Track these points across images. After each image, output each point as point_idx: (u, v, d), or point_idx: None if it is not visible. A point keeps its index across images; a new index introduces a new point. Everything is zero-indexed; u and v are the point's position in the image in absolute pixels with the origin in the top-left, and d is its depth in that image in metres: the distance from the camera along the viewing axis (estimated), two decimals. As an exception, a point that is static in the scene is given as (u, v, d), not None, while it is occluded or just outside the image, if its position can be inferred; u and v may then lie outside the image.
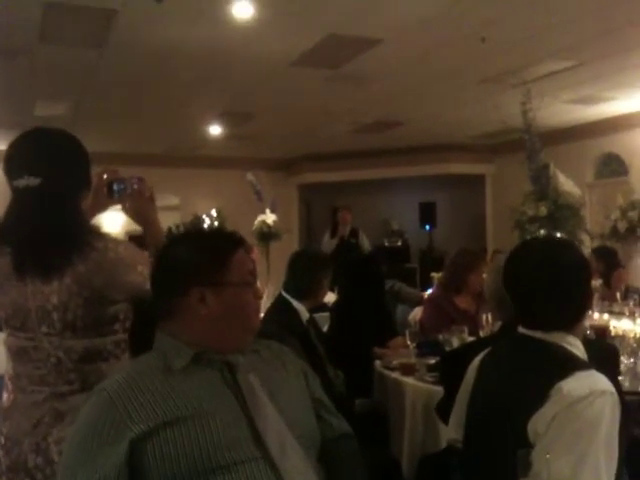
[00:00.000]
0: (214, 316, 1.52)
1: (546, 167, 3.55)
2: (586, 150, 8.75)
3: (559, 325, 1.63)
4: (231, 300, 1.54)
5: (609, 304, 4.36)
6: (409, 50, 5.57)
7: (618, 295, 4.68)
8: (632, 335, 3.11)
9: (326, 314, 4.66)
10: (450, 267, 4.28)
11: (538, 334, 1.63)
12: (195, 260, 1.56)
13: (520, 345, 1.69)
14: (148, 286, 1.63)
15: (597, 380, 1.51)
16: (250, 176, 6.98)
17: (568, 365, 1.54)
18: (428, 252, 11.43)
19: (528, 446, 1.48)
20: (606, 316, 3.79)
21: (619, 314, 4.02)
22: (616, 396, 1.50)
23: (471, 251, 4.32)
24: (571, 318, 1.66)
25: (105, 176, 2.01)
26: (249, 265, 1.61)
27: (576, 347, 1.63)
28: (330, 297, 5.37)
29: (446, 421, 2.15)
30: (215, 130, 8.77)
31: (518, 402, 1.54)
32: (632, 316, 3.86)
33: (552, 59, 5.82)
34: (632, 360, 2.87)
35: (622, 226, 6.39)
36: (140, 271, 1.78)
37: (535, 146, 3.49)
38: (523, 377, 1.60)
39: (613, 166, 8.83)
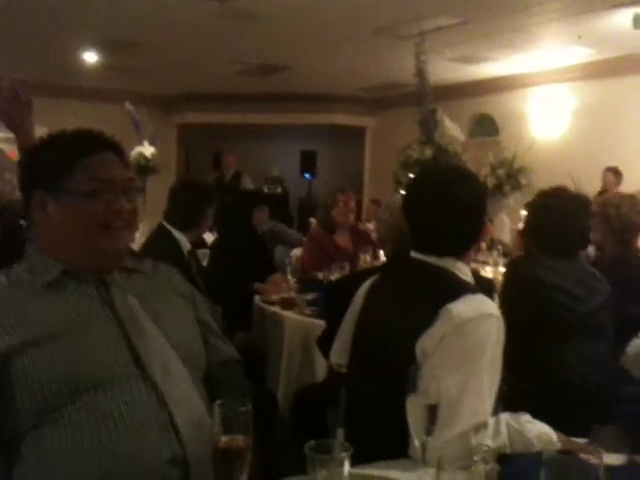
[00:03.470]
0: (57, 227, 1.42)
1: (434, 111, 3.64)
2: (461, 109, 9.03)
3: (451, 250, 1.67)
4: (71, 211, 1.41)
5: (475, 254, 4.61)
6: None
7: (484, 245, 4.95)
8: (500, 277, 3.29)
9: (205, 250, 4.62)
10: (320, 208, 4.46)
11: (430, 258, 1.66)
12: (40, 162, 1.44)
13: (411, 269, 1.72)
14: (16, 195, 1.50)
15: (484, 303, 1.56)
16: (128, 105, 6.67)
17: (457, 288, 1.58)
18: (307, 200, 11.52)
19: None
20: (472, 264, 4.00)
21: (484, 263, 4.28)
22: (501, 320, 1.56)
23: (332, 190, 4.50)
24: (463, 245, 1.70)
25: None
26: (105, 172, 1.44)
27: (465, 273, 1.67)
28: (209, 237, 5.34)
29: (326, 353, 2.18)
30: (91, 58, 8.25)
31: (407, 322, 1.57)
32: (496, 265, 4.14)
33: (441, 14, 5.92)
34: (501, 299, 3.04)
35: (490, 182, 6.69)
36: (8, 179, 1.64)
37: (425, 89, 3.57)
38: (413, 299, 1.63)
39: (486, 126, 9.24)
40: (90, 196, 1.40)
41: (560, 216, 2.50)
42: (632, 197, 3.31)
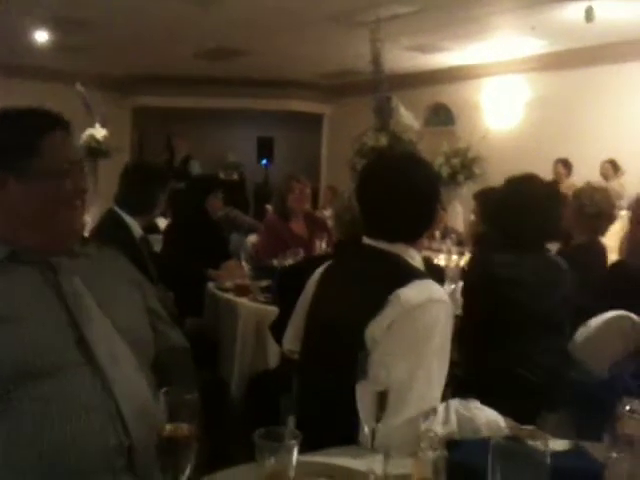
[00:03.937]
0: (19, 207, 1.39)
1: (389, 99, 3.65)
2: (417, 98, 9.07)
3: (403, 237, 1.66)
4: (38, 191, 1.39)
5: (429, 242, 4.65)
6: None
7: (437, 234, 5.00)
8: (453, 265, 3.33)
9: (158, 236, 4.56)
10: (275, 194, 4.46)
11: (381, 244, 1.65)
12: (0, 141, 1.41)
13: (362, 254, 1.71)
14: None
15: (433, 289, 1.56)
16: (79, 86, 6.51)
17: (406, 274, 1.57)
18: (263, 187, 11.47)
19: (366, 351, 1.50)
20: (426, 253, 4.04)
21: (437, 251, 4.33)
22: (450, 305, 1.57)
23: (288, 175, 4.47)
24: (415, 231, 1.69)
25: None
26: (67, 152, 1.45)
27: (416, 260, 1.67)
28: (162, 222, 5.28)
29: (279, 340, 2.17)
30: (43, 37, 8.00)
31: (357, 308, 1.56)
32: (449, 253, 4.19)
33: (398, 2, 5.92)
34: (453, 286, 3.08)
35: (445, 171, 6.75)
36: None
37: (381, 76, 3.57)
38: (363, 284, 1.63)
39: (441, 116, 9.31)
40: (58, 176, 1.40)
41: (528, 202, 2.46)
42: (604, 189, 3.46)
